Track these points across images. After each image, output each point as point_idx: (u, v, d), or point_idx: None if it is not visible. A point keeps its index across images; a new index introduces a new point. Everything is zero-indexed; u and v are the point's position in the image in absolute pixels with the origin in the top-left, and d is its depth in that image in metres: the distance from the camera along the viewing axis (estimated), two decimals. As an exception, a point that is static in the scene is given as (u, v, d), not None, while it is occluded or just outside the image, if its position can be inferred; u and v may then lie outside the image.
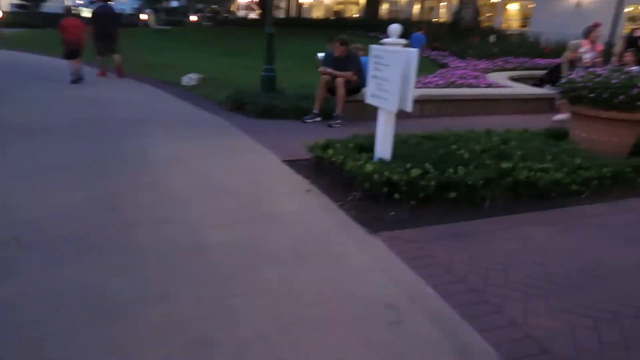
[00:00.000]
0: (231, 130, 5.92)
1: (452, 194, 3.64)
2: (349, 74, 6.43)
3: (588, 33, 7.36)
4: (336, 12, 43.03)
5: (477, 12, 16.61)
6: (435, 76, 9.49)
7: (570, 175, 4.01)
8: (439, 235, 3.20)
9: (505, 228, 3.39)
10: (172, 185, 3.91)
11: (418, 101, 7.47)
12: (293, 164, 4.61)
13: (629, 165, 4.32)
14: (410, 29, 17.35)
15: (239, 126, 6.09)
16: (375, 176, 3.59)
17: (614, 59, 8.42)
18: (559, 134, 5.35)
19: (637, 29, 7.70)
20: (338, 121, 6.37)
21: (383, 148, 4.07)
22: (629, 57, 6.97)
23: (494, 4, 29.36)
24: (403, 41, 3.94)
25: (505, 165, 3.90)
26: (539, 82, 9.32)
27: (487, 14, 27.88)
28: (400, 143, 4.48)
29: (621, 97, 4.55)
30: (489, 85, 8.70)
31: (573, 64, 7.40)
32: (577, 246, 3.15)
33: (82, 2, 41.92)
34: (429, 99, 7.57)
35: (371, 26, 19.60)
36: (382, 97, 4.02)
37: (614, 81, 4.61)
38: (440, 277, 2.66)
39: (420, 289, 2.54)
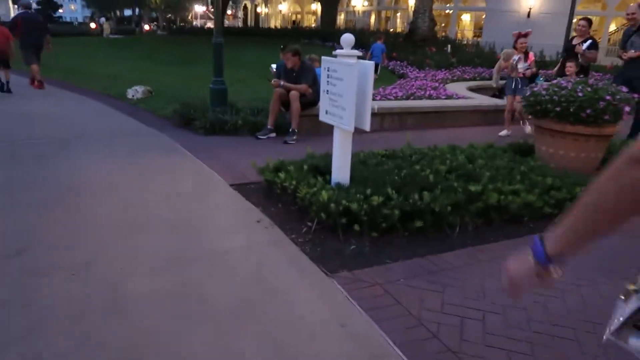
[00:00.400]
0: (175, 150, 5.38)
1: (418, 223, 3.26)
2: (303, 86, 6.02)
3: (515, 42, 7.06)
4: (294, 22, 42.85)
5: (433, 22, 16.63)
6: (394, 87, 9.23)
7: (542, 196, 3.72)
8: (405, 274, 2.80)
9: (478, 262, 3.03)
10: (97, 219, 3.36)
11: (378, 114, 7.15)
12: (242, 188, 4.13)
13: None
14: (366, 39, 17.22)
15: (184, 144, 5.56)
16: (332, 205, 3.17)
17: (554, 70, 8.13)
18: (524, 150, 5.11)
19: (575, 36, 7.35)
20: (294, 137, 5.94)
21: (340, 171, 3.67)
22: (570, 67, 6.65)
23: (447, 15, 29.85)
24: (357, 52, 3.55)
25: (474, 188, 3.56)
26: (497, 93, 9.22)
27: (442, 24, 28.29)
28: (359, 164, 4.09)
29: (588, 110, 4.33)
30: (449, 97, 8.50)
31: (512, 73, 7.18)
32: (560, 282, 2.81)
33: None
34: (389, 111, 7.26)
35: (328, 36, 19.39)
36: (336, 115, 3.61)
37: (579, 94, 4.39)
38: (409, 333, 2.25)
39: (386, 350, 2.12)
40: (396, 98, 8.16)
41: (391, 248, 3.14)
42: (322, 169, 3.90)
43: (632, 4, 6.46)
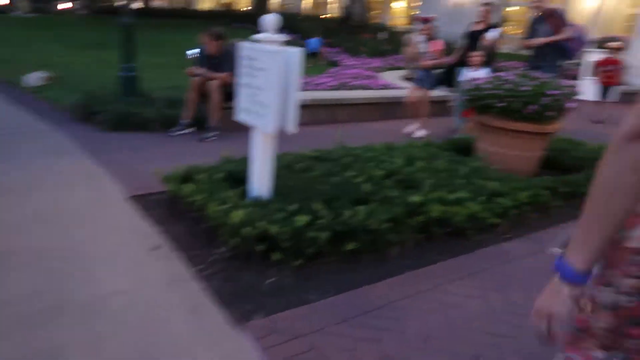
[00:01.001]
0: (68, 151, 4.53)
1: (351, 245, 2.75)
2: (224, 75, 5.32)
3: (420, 30, 6.30)
4: (225, 4, 41.14)
5: (366, 9, 16.24)
6: (327, 76, 8.70)
7: (486, 205, 3.32)
8: (335, 316, 2.28)
9: (421, 292, 2.56)
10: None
11: (309, 106, 6.59)
12: (143, 200, 3.44)
13: (543, 186, 3.76)
14: (298, 24, 16.57)
15: (81, 144, 4.72)
16: (247, 229, 2.58)
17: (451, 57, 6.87)
18: (464, 147, 4.74)
19: (478, 22, 6.54)
20: (212, 134, 5.25)
21: (260, 182, 3.07)
22: (477, 57, 6.04)
23: (380, 2, 29.69)
24: (281, 37, 2.96)
25: (414, 198, 3.09)
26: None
27: (375, 11, 28.08)
28: (283, 169, 3.51)
29: (533, 106, 4.00)
30: (384, 87, 8.08)
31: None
32: (518, 317, 2.40)
33: None
34: (321, 103, 6.71)
35: (259, 19, 18.48)
36: (256, 113, 3.00)
37: (524, 88, 4.05)
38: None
39: None
40: (330, 88, 7.63)
41: (319, 278, 2.60)
42: (241, 176, 3.28)
43: None
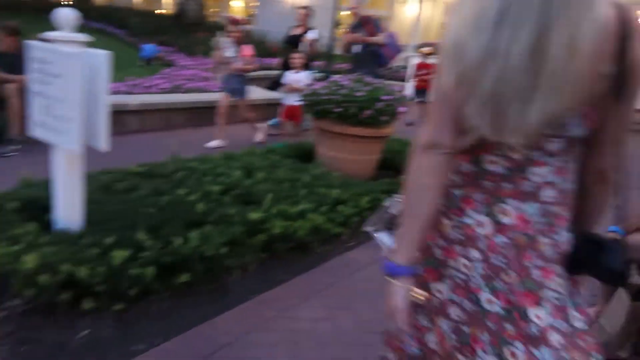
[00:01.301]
0: None
1: (184, 277, 2.39)
2: (24, 77, 4.43)
3: (229, 32, 5.57)
4: (40, -6, 36.29)
5: (202, 5, 15.56)
6: (160, 77, 8.02)
7: (329, 214, 3.23)
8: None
9: (269, 320, 2.32)
10: None
11: (137, 112, 5.97)
12: None
13: (382, 189, 3.82)
14: (126, 19, 15.27)
15: None
16: (44, 276, 2.06)
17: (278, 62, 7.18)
18: (306, 153, 4.66)
19: (297, 26, 6.50)
20: (13, 149, 4.36)
21: (67, 210, 2.53)
22: (298, 59, 5.91)
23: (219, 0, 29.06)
24: (81, 37, 2.45)
25: (255, 215, 2.84)
26: (272, 85, 8.82)
27: (213, 9, 27.38)
28: (100, 191, 2.99)
29: (368, 111, 4.04)
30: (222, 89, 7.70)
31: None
32: (368, 336, 2.29)
33: None
34: (151, 108, 6.10)
35: (83, 12, 16.57)
36: (55, 129, 2.45)
37: (359, 94, 4.07)
38: None
39: None
40: (162, 91, 7.01)
41: (146, 323, 2.20)
42: (45, 204, 2.68)
43: None
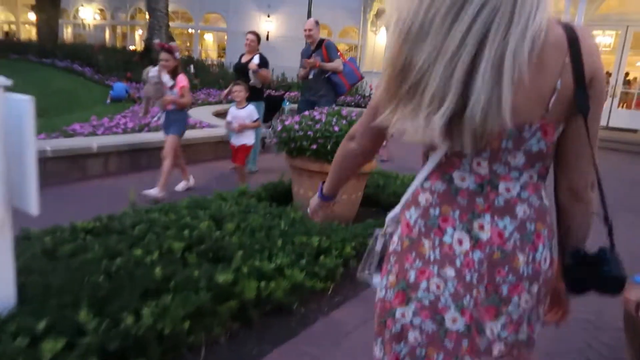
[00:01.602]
0: None
1: (137, 364, 1.97)
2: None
3: (161, 62, 4.71)
4: (6, 33, 35.72)
5: (170, 40, 15.28)
6: (125, 115, 7.62)
7: (311, 268, 2.84)
8: None
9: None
10: None
11: (100, 155, 5.55)
12: None
13: (367, 233, 3.46)
14: (94, 57, 14.99)
15: None
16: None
17: (223, 93, 6.70)
18: (282, 194, 4.29)
19: (244, 54, 6.03)
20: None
21: (-8, 288, 2.09)
22: (239, 92, 5.00)
23: (190, 34, 28.94)
24: (3, 80, 2.06)
25: (222, 278, 2.43)
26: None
27: (187, 44, 27.23)
28: (42, 257, 2.55)
29: (346, 147, 3.71)
30: (192, 126, 7.34)
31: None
32: None
33: None
34: (115, 150, 5.68)
35: (46, 51, 16.12)
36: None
37: (336, 129, 3.75)
38: None
39: None
40: (126, 130, 6.60)
41: None
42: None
43: (310, 19, 5.81)
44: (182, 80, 4.72)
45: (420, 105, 0.90)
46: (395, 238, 1.12)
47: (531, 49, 0.87)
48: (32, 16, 32.23)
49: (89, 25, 31.54)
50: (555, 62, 0.92)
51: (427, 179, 1.07)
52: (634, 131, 12.40)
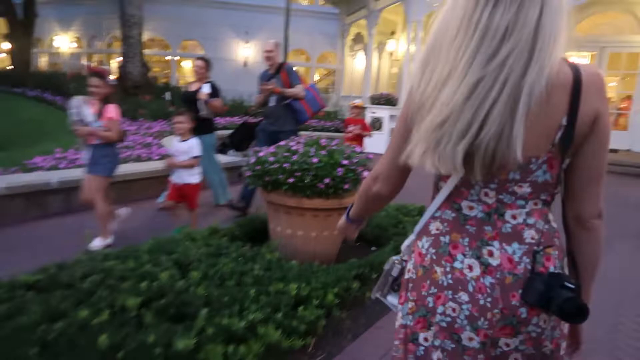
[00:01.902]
0: None
1: None
2: None
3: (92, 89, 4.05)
4: (-21, 62, 34.97)
5: (145, 67, 14.92)
6: (93, 147, 7.19)
7: (288, 322, 2.47)
8: None
9: None
10: None
11: (61, 190, 5.15)
12: None
13: (352, 275, 3.12)
14: (65, 84, 14.58)
15: None
16: None
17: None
18: (259, 230, 3.94)
19: (194, 82, 5.59)
20: None
21: None
22: (182, 123, 4.37)
23: (168, 61, 28.69)
24: None
25: (181, 344, 2.05)
26: (221, 147, 8.12)
27: (165, 71, 26.91)
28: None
29: (326, 180, 3.40)
30: (163, 157, 6.95)
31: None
32: None
33: None
34: (77, 185, 5.22)
35: (19, 80, 15.61)
36: None
37: (315, 160, 3.43)
38: None
39: None
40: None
41: None
42: None
43: (270, 41, 5.38)
44: (112, 111, 4.01)
45: (450, 136, 0.96)
46: (410, 266, 1.17)
47: (544, 87, 0.92)
48: (6, 45, 31.66)
49: (64, 53, 31.08)
50: (561, 100, 0.97)
51: (438, 208, 1.13)
52: (615, 151, 12.41)
